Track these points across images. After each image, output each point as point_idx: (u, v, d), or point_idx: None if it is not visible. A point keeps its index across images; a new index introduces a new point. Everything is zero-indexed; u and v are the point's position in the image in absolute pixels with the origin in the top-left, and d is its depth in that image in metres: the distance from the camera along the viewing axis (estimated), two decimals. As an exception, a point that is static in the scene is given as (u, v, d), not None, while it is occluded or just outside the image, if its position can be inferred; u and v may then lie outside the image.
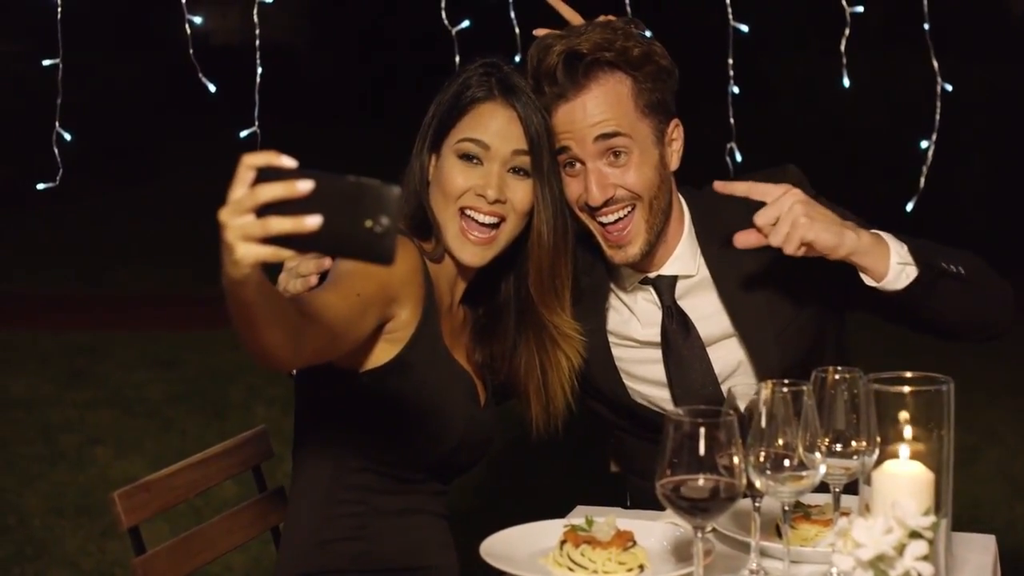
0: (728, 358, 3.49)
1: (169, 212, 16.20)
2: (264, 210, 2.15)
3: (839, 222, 3.11)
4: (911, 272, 3.14)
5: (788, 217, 3.06)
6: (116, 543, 6.27)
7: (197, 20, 4.15)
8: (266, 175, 2.16)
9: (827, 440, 2.51)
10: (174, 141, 19.28)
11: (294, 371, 3.29)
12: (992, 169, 13.75)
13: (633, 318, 3.52)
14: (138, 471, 7.29)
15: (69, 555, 6.26)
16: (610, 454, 3.97)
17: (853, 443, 2.51)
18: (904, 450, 2.40)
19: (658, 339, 3.48)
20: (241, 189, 2.17)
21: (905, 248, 3.16)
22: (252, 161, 2.18)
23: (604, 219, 3.34)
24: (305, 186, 2.12)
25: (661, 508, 3.07)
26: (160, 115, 19.52)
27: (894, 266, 3.13)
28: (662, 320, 3.48)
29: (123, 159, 17.56)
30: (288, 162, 2.16)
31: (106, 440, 8.01)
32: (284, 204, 2.13)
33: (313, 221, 2.11)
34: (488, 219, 3.20)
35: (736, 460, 2.35)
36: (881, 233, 3.18)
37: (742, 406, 2.52)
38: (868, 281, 3.14)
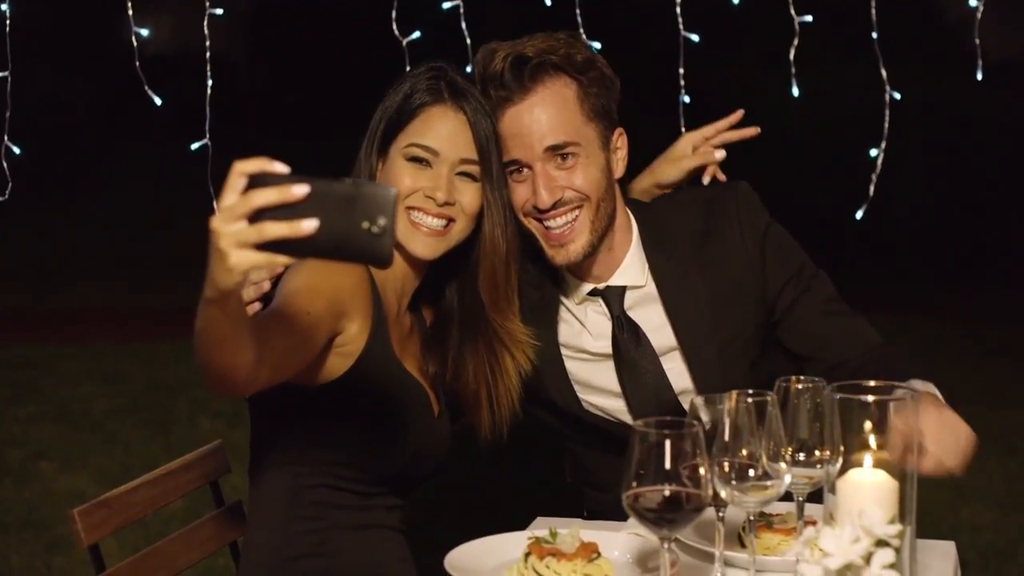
0: (678, 376, 3.51)
1: (111, 225, 16.08)
2: (255, 217, 2.13)
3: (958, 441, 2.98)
4: None
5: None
6: (62, 558, 6.24)
7: (144, 32, 4.10)
8: (257, 181, 2.13)
9: (791, 449, 2.51)
10: (112, 154, 19.13)
11: None
12: (932, 177, 13.85)
13: (584, 331, 3.52)
14: (83, 485, 7.25)
15: (14, 570, 6.20)
16: (568, 465, 3.97)
17: (817, 452, 2.52)
18: (868, 459, 2.41)
19: (610, 351, 3.49)
20: (232, 196, 2.14)
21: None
22: (244, 168, 2.15)
23: (551, 223, 3.35)
24: (300, 190, 2.10)
25: (618, 519, 3.09)
26: (97, 127, 19.38)
27: None
28: (612, 330, 3.49)
29: (62, 172, 17.40)
30: (280, 168, 2.14)
31: (50, 455, 7.95)
32: (277, 210, 2.11)
33: (310, 225, 2.09)
34: (436, 221, 3.19)
35: (702, 470, 2.35)
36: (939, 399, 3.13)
37: (705, 416, 2.52)
38: None
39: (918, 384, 3.10)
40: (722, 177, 3.77)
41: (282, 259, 2.15)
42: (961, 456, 2.89)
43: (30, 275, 13.74)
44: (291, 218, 2.10)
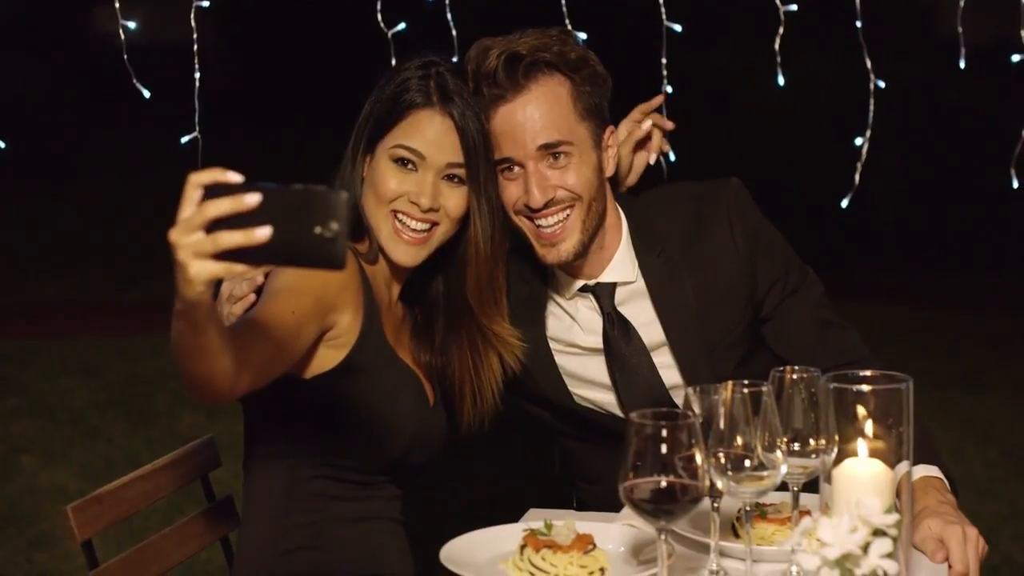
0: (668, 371, 3.51)
1: (88, 217, 16.02)
2: (214, 227, 2.18)
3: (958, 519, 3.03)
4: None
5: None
6: (44, 554, 6.21)
7: (131, 25, 4.08)
8: (213, 192, 2.19)
9: (786, 439, 2.52)
10: (89, 145, 19.06)
11: None
12: (912, 164, 13.87)
13: (575, 325, 3.52)
14: (65, 480, 7.22)
15: (-3, 566, 6.19)
16: (558, 457, 3.97)
17: (811, 442, 2.52)
18: (863, 448, 2.41)
19: (601, 345, 3.49)
20: (189, 208, 2.20)
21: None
22: (198, 179, 2.21)
23: (542, 222, 3.34)
24: (252, 199, 2.15)
25: (609, 510, 3.10)
26: (73, 118, 19.30)
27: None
28: (603, 326, 3.49)
29: (39, 164, 17.32)
30: (234, 177, 2.20)
31: (31, 449, 7.93)
32: (234, 219, 2.16)
33: (263, 232, 2.14)
34: (421, 225, 3.19)
35: (698, 461, 2.36)
36: (942, 481, 3.17)
37: (700, 407, 2.52)
38: None
39: (923, 469, 3.12)
40: (667, 148, 3.78)
41: (239, 267, 2.20)
42: (976, 563, 2.92)
43: (7, 268, 13.68)
44: (246, 227, 2.15)
